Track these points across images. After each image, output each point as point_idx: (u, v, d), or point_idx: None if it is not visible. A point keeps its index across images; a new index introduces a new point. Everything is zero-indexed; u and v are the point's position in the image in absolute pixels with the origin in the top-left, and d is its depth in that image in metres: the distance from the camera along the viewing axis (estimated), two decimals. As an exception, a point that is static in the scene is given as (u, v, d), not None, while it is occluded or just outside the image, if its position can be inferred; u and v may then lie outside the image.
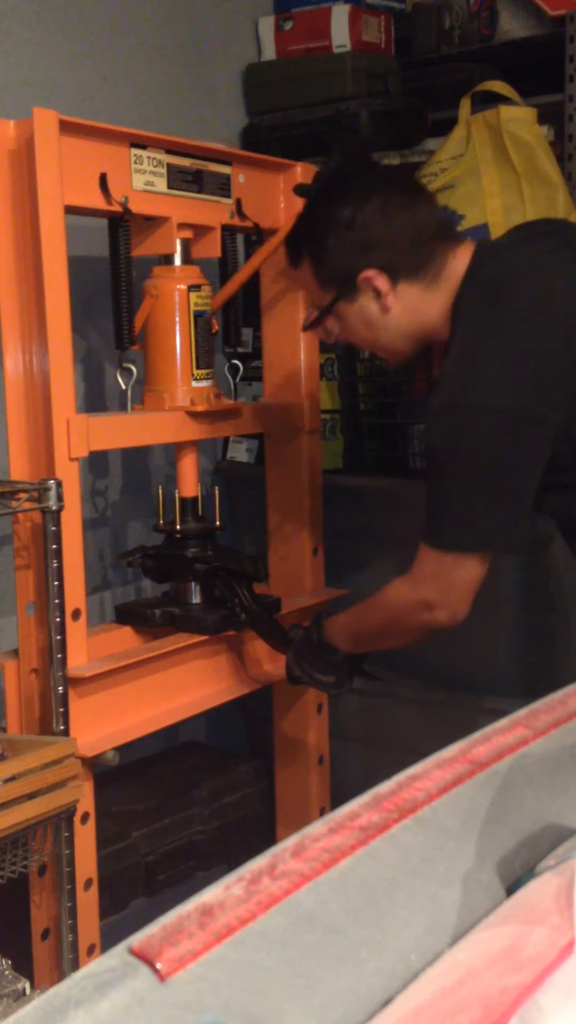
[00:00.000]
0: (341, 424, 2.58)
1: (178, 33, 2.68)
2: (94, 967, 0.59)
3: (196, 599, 2.14)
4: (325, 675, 2.01)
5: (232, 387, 2.23)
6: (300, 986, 0.62)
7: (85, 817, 1.85)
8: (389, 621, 1.85)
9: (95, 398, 2.48)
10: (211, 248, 2.12)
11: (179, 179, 2.04)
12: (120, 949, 0.60)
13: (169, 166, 2.01)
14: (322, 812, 2.40)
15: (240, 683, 2.19)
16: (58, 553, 1.75)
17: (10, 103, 2.25)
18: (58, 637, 1.77)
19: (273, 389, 2.37)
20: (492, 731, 0.85)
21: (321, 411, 2.40)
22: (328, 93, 2.71)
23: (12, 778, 1.64)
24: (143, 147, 1.96)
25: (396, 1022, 0.61)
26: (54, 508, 1.74)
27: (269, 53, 2.86)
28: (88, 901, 1.88)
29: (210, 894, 0.64)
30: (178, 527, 2.13)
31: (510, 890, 0.75)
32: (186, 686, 2.07)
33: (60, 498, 1.74)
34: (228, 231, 2.17)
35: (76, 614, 1.82)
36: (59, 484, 1.74)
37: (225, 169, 2.14)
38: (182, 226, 2.05)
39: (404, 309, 1.76)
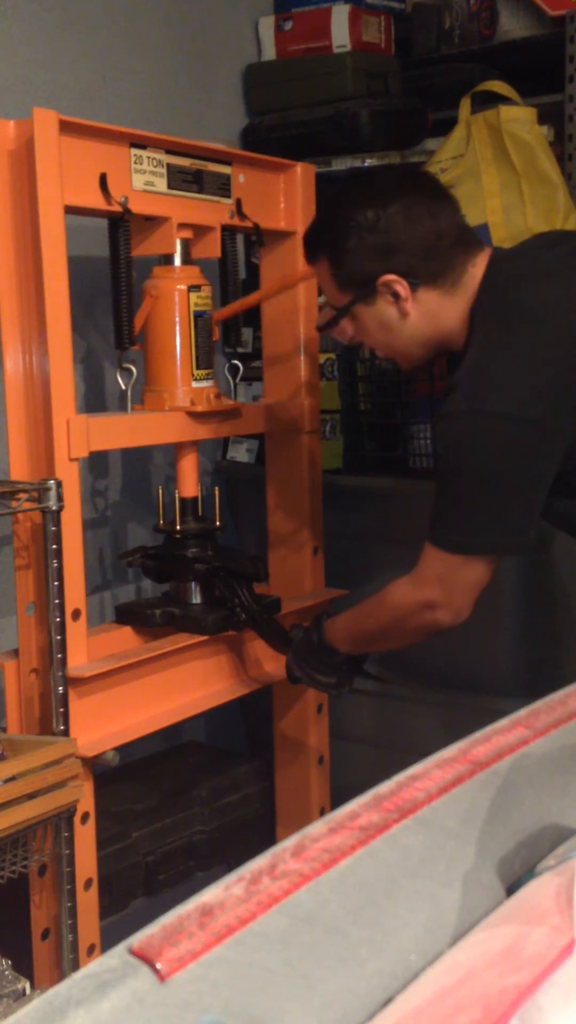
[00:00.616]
0: (341, 424, 2.58)
1: (178, 33, 2.68)
2: (94, 967, 0.59)
3: (196, 599, 2.14)
4: (325, 676, 2.01)
5: (232, 387, 2.23)
6: (300, 986, 0.62)
7: (85, 817, 1.85)
8: (391, 621, 1.85)
9: (95, 398, 2.48)
10: (211, 248, 2.12)
11: (179, 179, 2.04)
12: (120, 949, 0.60)
13: (169, 166, 2.01)
14: (322, 812, 2.40)
15: (240, 683, 2.19)
16: (58, 553, 1.75)
17: (10, 103, 2.25)
18: (58, 637, 1.77)
19: (273, 389, 2.37)
20: (492, 731, 0.85)
21: (321, 411, 2.40)
22: (328, 93, 2.71)
23: (12, 778, 1.63)
24: (143, 147, 1.96)
25: (396, 1022, 0.61)
26: (54, 508, 1.74)
27: (269, 53, 2.86)
28: (88, 901, 1.88)
29: (210, 894, 0.64)
30: (178, 527, 2.13)
31: (510, 890, 0.75)
32: (186, 686, 2.07)
33: (60, 498, 1.74)
34: (228, 231, 2.17)
35: (76, 614, 1.82)
36: (59, 484, 1.74)
37: (225, 169, 2.14)
38: (182, 226, 2.05)
39: (422, 315, 1.76)
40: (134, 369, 2.00)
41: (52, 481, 1.74)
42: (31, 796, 1.65)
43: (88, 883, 1.88)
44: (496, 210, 2.41)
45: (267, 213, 2.25)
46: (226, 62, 2.83)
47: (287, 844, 0.69)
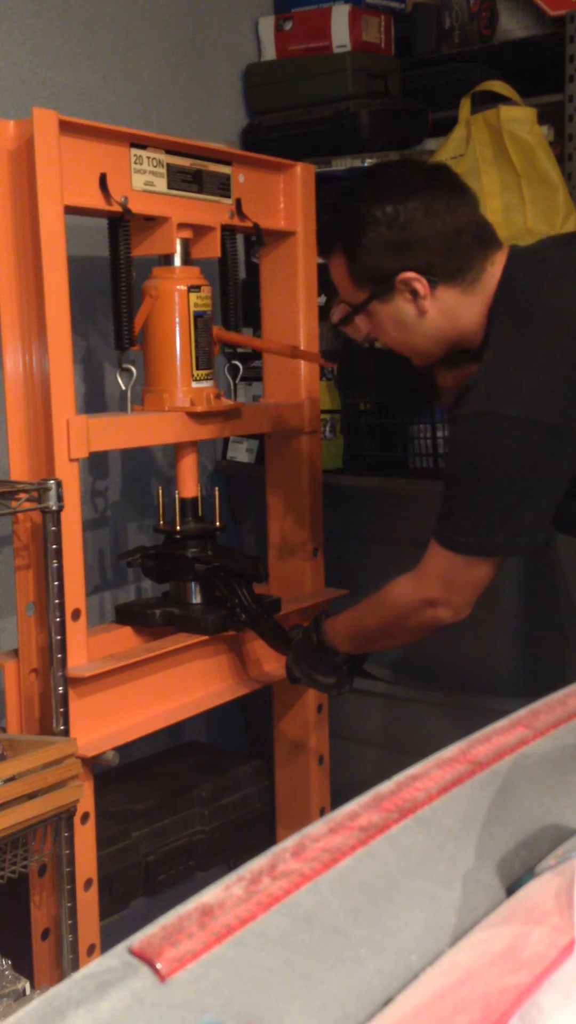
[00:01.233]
0: (341, 424, 2.58)
1: (178, 33, 2.68)
2: (94, 967, 0.59)
3: (196, 599, 2.15)
4: (325, 676, 2.01)
5: (232, 387, 2.23)
6: (300, 986, 0.62)
7: (85, 817, 1.85)
8: (391, 619, 1.85)
9: (95, 399, 2.48)
10: (211, 248, 2.12)
11: (179, 179, 2.04)
12: (120, 949, 0.60)
13: (169, 166, 2.01)
14: (322, 812, 2.40)
15: (240, 683, 2.19)
16: (58, 553, 1.75)
17: (10, 103, 2.25)
18: (58, 637, 1.77)
19: (273, 389, 2.37)
20: (492, 731, 0.85)
21: (321, 411, 2.40)
22: (328, 93, 2.71)
23: (12, 778, 1.64)
24: (143, 147, 1.96)
25: (396, 1022, 0.61)
26: (54, 508, 1.74)
27: (269, 53, 2.86)
28: (88, 901, 1.88)
29: (210, 894, 0.64)
30: (178, 527, 2.13)
31: (510, 890, 0.75)
32: (186, 686, 2.07)
33: (60, 498, 1.74)
34: (228, 231, 2.17)
35: (76, 614, 1.82)
36: (59, 484, 1.74)
37: (225, 169, 2.14)
38: (182, 226, 2.05)
39: (440, 313, 1.73)
40: (134, 369, 2.00)
41: (52, 481, 1.74)
42: (31, 796, 1.65)
43: (88, 883, 1.88)
44: (496, 210, 2.41)
45: (267, 213, 2.25)
46: (226, 62, 2.83)
47: (287, 844, 0.69)
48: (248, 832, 2.40)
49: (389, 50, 2.81)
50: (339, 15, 2.73)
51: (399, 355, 1.84)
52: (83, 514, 1.89)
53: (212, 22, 2.78)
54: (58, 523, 1.75)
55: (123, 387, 1.99)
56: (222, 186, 2.13)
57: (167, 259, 2.08)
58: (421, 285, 1.71)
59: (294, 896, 0.65)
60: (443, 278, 1.71)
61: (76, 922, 1.82)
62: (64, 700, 1.79)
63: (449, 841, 0.74)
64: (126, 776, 2.33)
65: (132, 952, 0.59)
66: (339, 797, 2.38)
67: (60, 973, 1.83)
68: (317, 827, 0.70)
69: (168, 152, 2.01)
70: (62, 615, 1.77)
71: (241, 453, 2.76)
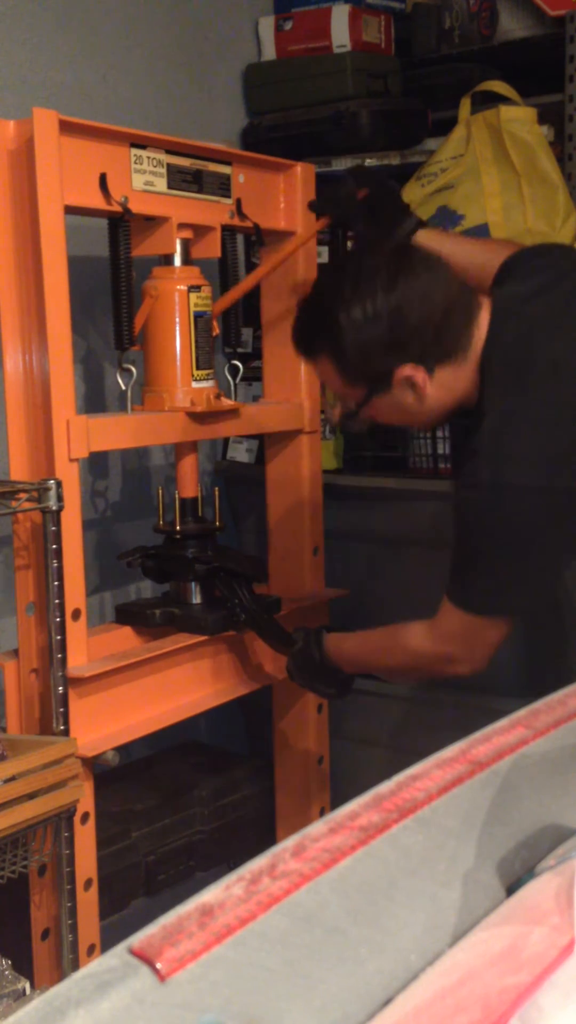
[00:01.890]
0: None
1: (178, 33, 2.68)
2: (94, 967, 0.59)
3: (196, 599, 2.15)
4: (327, 687, 2.03)
5: (232, 387, 2.23)
6: (300, 986, 0.62)
7: (85, 817, 1.85)
8: (406, 665, 1.88)
9: (95, 399, 2.48)
10: (211, 248, 2.12)
11: (179, 179, 2.04)
12: (120, 949, 0.60)
13: (169, 166, 2.01)
14: (322, 812, 2.40)
15: (240, 683, 2.19)
16: (58, 553, 1.75)
17: (10, 103, 2.25)
18: (58, 637, 1.77)
19: (273, 389, 2.37)
20: (492, 731, 0.85)
21: (321, 411, 2.40)
22: (328, 93, 2.71)
23: (12, 778, 1.63)
24: (143, 147, 1.96)
25: (396, 1022, 0.61)
26: (54, 508, 1.74)
27: (269, 53, 2.86)
28: (88, 901, 1.88)
29: (210, 894, 0.64)
30: (178, 528, 2.13)
31: (510, 890, 0.75)
32: (186, 686, 2.07)
33: (60, 498, 1.74)
34: (228, 231, 2.17)
35: (76, 614, 1.82)
36: (59, 484, 1.74)
37: (225, 169, 2.14)
38: (182, 226, 2.05)
39: (439, 389, 1.71)
40: (134, 369, 1.99)
41: (52, 481, 1.74)
42: (31, 796, 1.65)
43: (88, 883, 1.88)
44: (496, 210, 2.41)
45: (267, 213, 2.25)
46: (226, 62, 2.83)
47: (287, 844, 0.68)
48: (248, 832, 2.40)
49: (389, 50, 2.81)
50: (339, 15, 2.73)
51: None
52: (83, 514, 1.89)
53: (212, 22, 2.78)
54: (58, 523, 1.75)
55: (123, 387, 1.99)
56: (222, 186, 2.13)
57: (167, 259, 2.08)
58: (419, 375, 1.69)
59: (294, 896, 0.65)
60: (438, 360, 1.69)
61: (76, 922, 1.82)
62: (64, 700, 1.79)
63: (449, 841, 0.74)
64: (126, 776, 2.33)
65: (132, 952, 0.59)
66: (339, 797, 2.38)
67: (60, 973, 1.83)
68: (317, 827, 0.70)
69: (168, 152, 2.01)
70: (62, 615, 1.77)
71: (241, 453, 2.76)
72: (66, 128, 1.79)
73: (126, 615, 2.15)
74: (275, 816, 2.44)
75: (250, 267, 2.63)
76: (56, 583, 1.76)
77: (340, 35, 2.73)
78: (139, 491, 2.64)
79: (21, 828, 1.65)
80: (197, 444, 2.20)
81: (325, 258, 2.54)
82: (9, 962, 1.59)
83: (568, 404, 1.62)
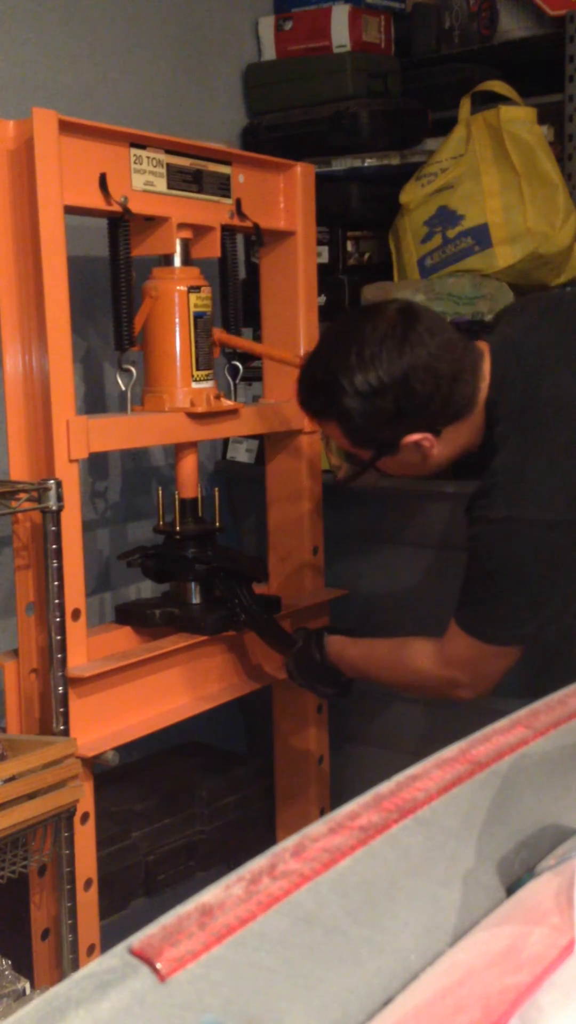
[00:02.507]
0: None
1: (178, 33, 2.68)
2: (94, 967, 0.59)
3: (196, 599, 2.15)
4: (327, 687, 2.04)
5: (232, 388, 2.22)
6: (300, 986, 0.62)
7: (85, 817, 1.85)
8: (410, 682, 1.90)
9: (95, 399, 2.48)
10: (211, 248, 2.12)
11: (179, 179, 2.04)
12: (120, 949, 0.60)
13: (169, 166, 2.01)
14: (322, 812, 2.40)
15: (240, 683, 2.19)
16: (58, 553, 1.75)
17: (10, 103, 2.24)
18: (58, 637, 1.77)
19: (273, 389, 2.37)
20: (492, 731, 0.85)
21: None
22: (328, 93, 2.71)
23: (12, 778, 1.63)
24: (143, 147, 1.96)
25: (396, 1022, 0.61)
26: (54, 508, 1.74)
27: (269, 53, 2.86)
28: (88, 901, 1.88)
29: (210, 894, 0.64)
30: (178, 528, 2.13)
31: (510, 890, 0.75)
32: (186, 686, 2.07)
33: (60, 498, 1.74)
34: (228, 231, 2.17)
35: (76, 614, 1.82)
36: (59, 484, 1.74)
37: (225, 169, 2.14)
38: (182, 226, 2.05)
39: (447, 445, 1.72)
40: (134, 370, 1.99)
41: (52, 481, 1.74)
42: (31, 796, 1.65)
43: (88, 883, 1.88)
44: (496, 210, 2.40)
45: (267, 213, 2.25)
46: (226, 62, 2.83)
47: (287, 844, 0.68)
48: (248, 832, 2.40)
49: (389, 50, 2.81)
50: (339, 15, 2.73)
51: None
52: (83, 514, 1.89)
53: (212, 22, 2.78)
54: (58, 523, 1.75)
55: (123, 387, 1.99)
56: (222, 186, 2.13)
57: (167, 259, 2.08)
58: (427, 441, 1.69)
59: (294, 896, 0.65)
60: (445, 422, 1.69)
61: (76, 922, 1.82)
62: (64, 700, 1.79)
63: (449, 841, 0.74)
64: (126, 776, 2.33)
65: (132, 952, 0.59)
66: (339, 797, 2.38)
67: (60, 973, 1.83)
68: (317, 827, 0.70)
69: (168, 152, 2.01)
70: (62, 615, 1.77)
71: (241, 453, 2.76)
72: (66, 128, 1.79)
73: (126, 615, 2.15)
74: (275, 816, 2.44)
75: (250, 267, 2.64)
76: (56, 583, 1.76)
77: (340, 35, 2.73)
78: (139, 491, 2.64)
79: (21, 828, 1.65)
80: (197, 444, 2.20)
81: (325, 258, 2.54)
82: (9, 962, 1.59)
83: (573, 442, 1.64)
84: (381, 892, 0.69)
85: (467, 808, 0.77)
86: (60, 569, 1.76)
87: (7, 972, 1.58)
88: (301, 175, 2.28)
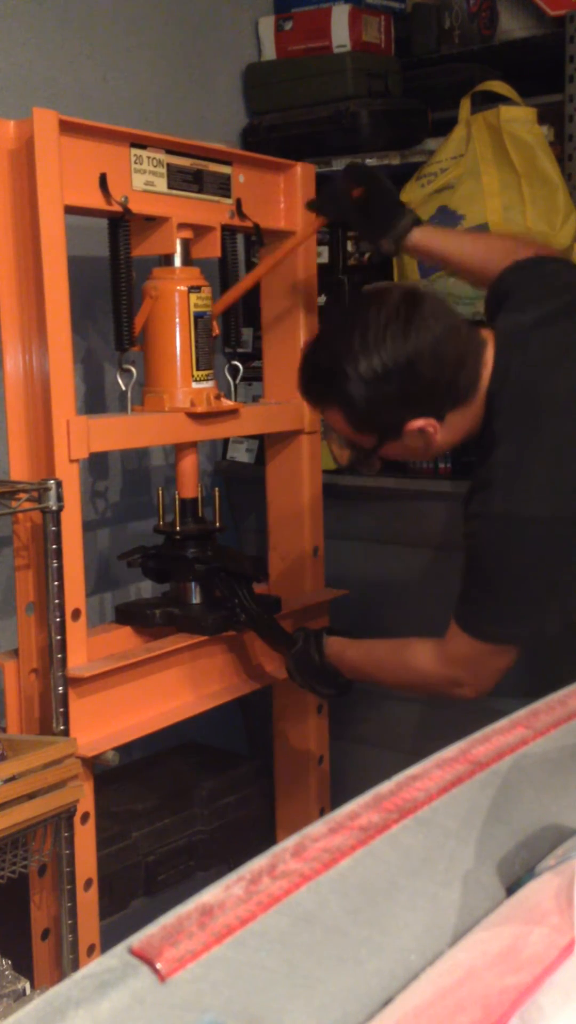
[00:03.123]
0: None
1: (178, 33, 2.68)
2: (94, 967, 0.59)
3: (196, 599, 2.15)
4: (326, 688, 2.04)
5: (232, 388, 2.23)
6: (300, 986, 0.62)
7: (85, 817, 1.85)
8: (410, 683, 1.90)
9: (95, 399, 2.48)
10: (211, 248, 2.12)
11: (179, 179, 2.04)
12: (120, 949, 0.60)
13: (169, 166, 2.01)
14: (322, 812, 2.40)
15: (240, 683, 2.19)
16: (58, 553, 1.75)
17: (10, 103, 2.25)
18: (58, 637, 1.77)
19: (273, 389, 2.37)
20: (492, 731, 0.85)
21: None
22: (328, 93, 2.71)
23: (12, 778, 1.63)
24: (143, 147, 1.96)
25: (396, 1022, 0.61)
26: (54, 508, 1.74)
27: (269, 53, 2.86)
28: (88, 901, 1.88)
29: (210, 894, 0.64)
30: (178, 528, 2.13)
31: (510, 890, 0.75)
32: (186, 686, 2.07)
33: (60, 498, 1.74)
34: (228, 231, 2.17)
35: (76, 614, 1.82)
36: (59, 484, 1.74)
37: (225, 169, 2.14)
38: (182, 226, 2.05)
39: (449, 432, 1.72)
40: (134, 370, 1.99)
41: (52, 481, 1.74)
42: (31, 796, 1.65)
43: (88, 883, 1.88)
44: (496, 210, 2.40)
45: (267, 213, 2.25)
46: (226, 62, 2.83)
47: (287, 844, 0.68)
48: (248, 832, 2.40)
49: (389, 50, 2.81)
50: (339, 15, 2.73)
51: None
52: (83, 514, 1.89)
53: (212, 22, 2.78)
54: (58, 523, 1.75)
55: (123, 387, 1.99)
56: (222, 186, 2.13)
57: (167, 259, 2.08)
58: (431, 426, 1.69)
59: (294, 896, 0.65)
60: (450, 409, 1.69)
61: (76, 922, 1.82)
62: (64, 700, 1.79)
63: (449, 841, 0.74)
64: (126, 776, 2.33)
65: (132, 952, 0.59)
66: (339, 797, 2.38)
67: (60, 973, 1.83)
68: (317, 827, 0.70)
69: (168, 152, 2.01)
70: (62, 615, 1.77)
71: (241, 453, 2.76)
72: (66, 128, 1.79)
73: (126, 615, 2.15)
74: (275, 816, 2.44)
75: (250, 267, 2.64)
76: (56, 583, 1.76)
77: (340, 35, 2.73)
78: (139, 491, 2.64)
79: (21, 828, 1.65)
80: (197, 444, 2.20)
81: (325, 258, 2.54)
82: (9, 962, 1.59)
83: (574, 435, 1.64)
84: (381, 892, 0.69)
85: (467, 808, 0.77)
86: (60, 569, 1.76)
87: (7, 972, 1.58)
88: (301, 175, 2.28)
